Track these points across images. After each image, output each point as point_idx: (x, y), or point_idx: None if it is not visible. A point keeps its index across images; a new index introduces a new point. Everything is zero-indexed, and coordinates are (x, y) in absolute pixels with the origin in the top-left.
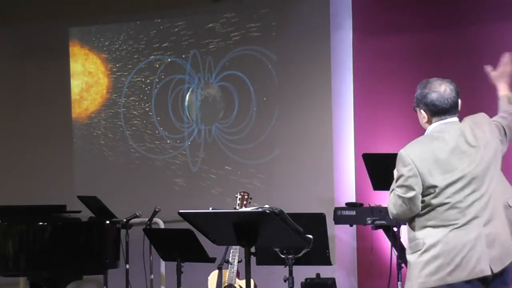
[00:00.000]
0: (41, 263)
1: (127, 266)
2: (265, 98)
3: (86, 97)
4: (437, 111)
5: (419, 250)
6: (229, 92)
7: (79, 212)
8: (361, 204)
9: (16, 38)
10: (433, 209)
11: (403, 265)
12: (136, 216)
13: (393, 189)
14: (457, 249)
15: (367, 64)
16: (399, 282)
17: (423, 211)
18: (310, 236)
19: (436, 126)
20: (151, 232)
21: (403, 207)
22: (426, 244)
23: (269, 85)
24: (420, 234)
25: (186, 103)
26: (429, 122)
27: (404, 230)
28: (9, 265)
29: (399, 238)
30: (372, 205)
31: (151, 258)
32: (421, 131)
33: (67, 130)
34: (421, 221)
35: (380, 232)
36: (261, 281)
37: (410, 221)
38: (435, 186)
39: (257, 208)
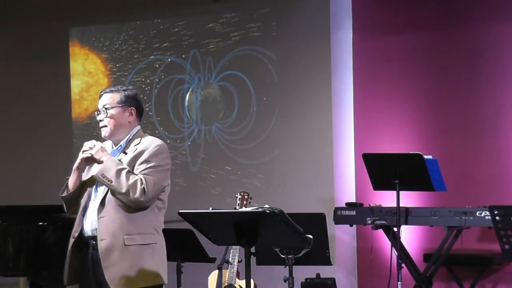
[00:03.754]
0: (41, 263)
1: None
2: (265, 98)
3: (86, 97)
4: (141, 113)
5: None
6: (229, 92)
7: None
8: (361, 204)
9: (16, 38)
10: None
11: (403, 265)
12: None
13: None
14: None
15: (367, 64)
16: (399, 282)
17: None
18: (310, 236)
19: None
20: None
21: (157, 193)
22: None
23: (269, 85)
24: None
25: (186, 103)
26: (135, 123)
27: (404, 230)
28: (9, 265)
29: (399, 238)
30: (372, 205)
31: None
32: (421, 131)
33: (67, 130)
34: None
35: (380, 232)
36: (261, 281)
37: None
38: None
39: (257, 208)
